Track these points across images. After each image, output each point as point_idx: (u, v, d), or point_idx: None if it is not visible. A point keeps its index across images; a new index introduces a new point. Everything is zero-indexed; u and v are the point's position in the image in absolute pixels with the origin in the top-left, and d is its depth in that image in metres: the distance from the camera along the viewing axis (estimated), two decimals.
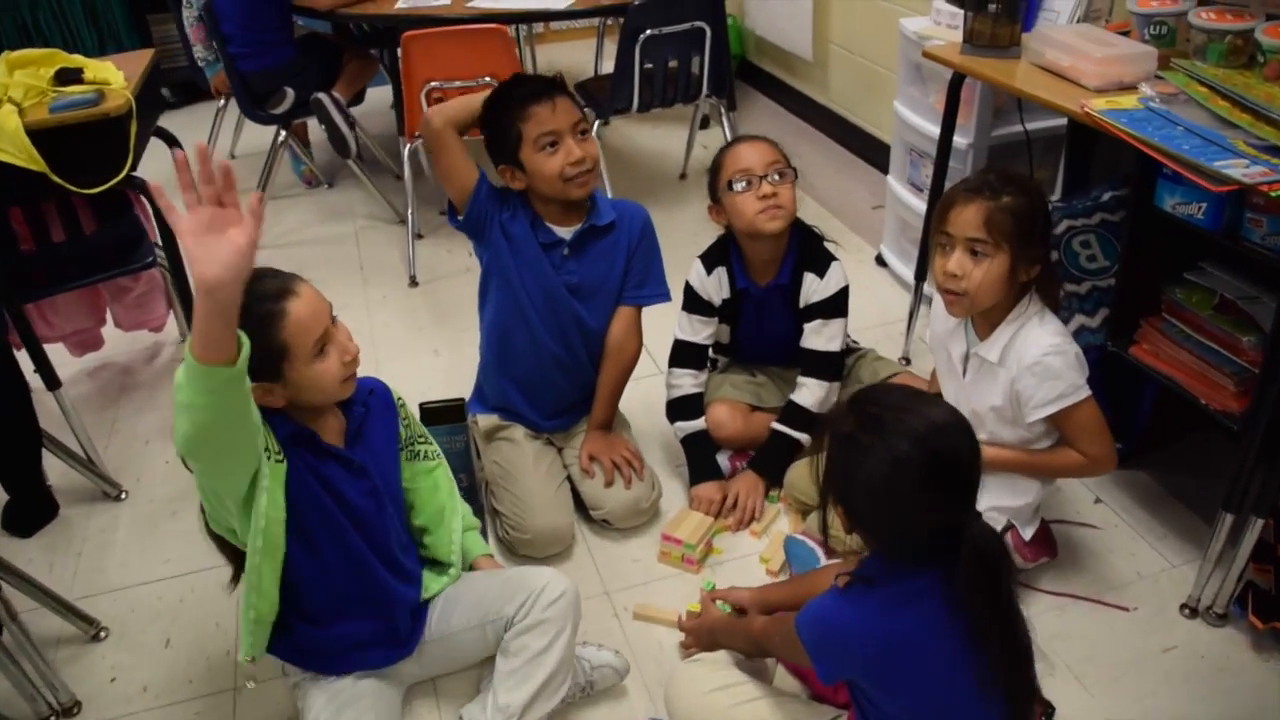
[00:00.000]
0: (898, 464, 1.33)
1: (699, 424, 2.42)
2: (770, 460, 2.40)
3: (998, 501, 2.04)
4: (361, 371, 1.78)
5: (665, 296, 2.36)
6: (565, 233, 2.25)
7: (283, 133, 3.83)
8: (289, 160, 4.38)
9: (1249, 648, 1.98)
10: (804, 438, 2.37)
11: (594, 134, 2.35)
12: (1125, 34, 2.31)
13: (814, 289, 2.34)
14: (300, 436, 1.69)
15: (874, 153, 4.14)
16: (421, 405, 2.27)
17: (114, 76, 2.47)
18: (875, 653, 1.42)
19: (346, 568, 1.76)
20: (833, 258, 2.36)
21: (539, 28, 6.05)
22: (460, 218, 2.22)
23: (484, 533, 2.33)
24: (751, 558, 2.27)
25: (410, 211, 3.65)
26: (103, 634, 2.18)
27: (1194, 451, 2.44)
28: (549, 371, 2.34)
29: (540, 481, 2.29)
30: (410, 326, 3.28)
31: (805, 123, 4.71)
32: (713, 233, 2.44)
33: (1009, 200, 1.86)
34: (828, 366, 2.36)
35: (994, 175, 1.92)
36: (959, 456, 1.35)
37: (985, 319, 1.98)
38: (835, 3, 4.23)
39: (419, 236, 3.79)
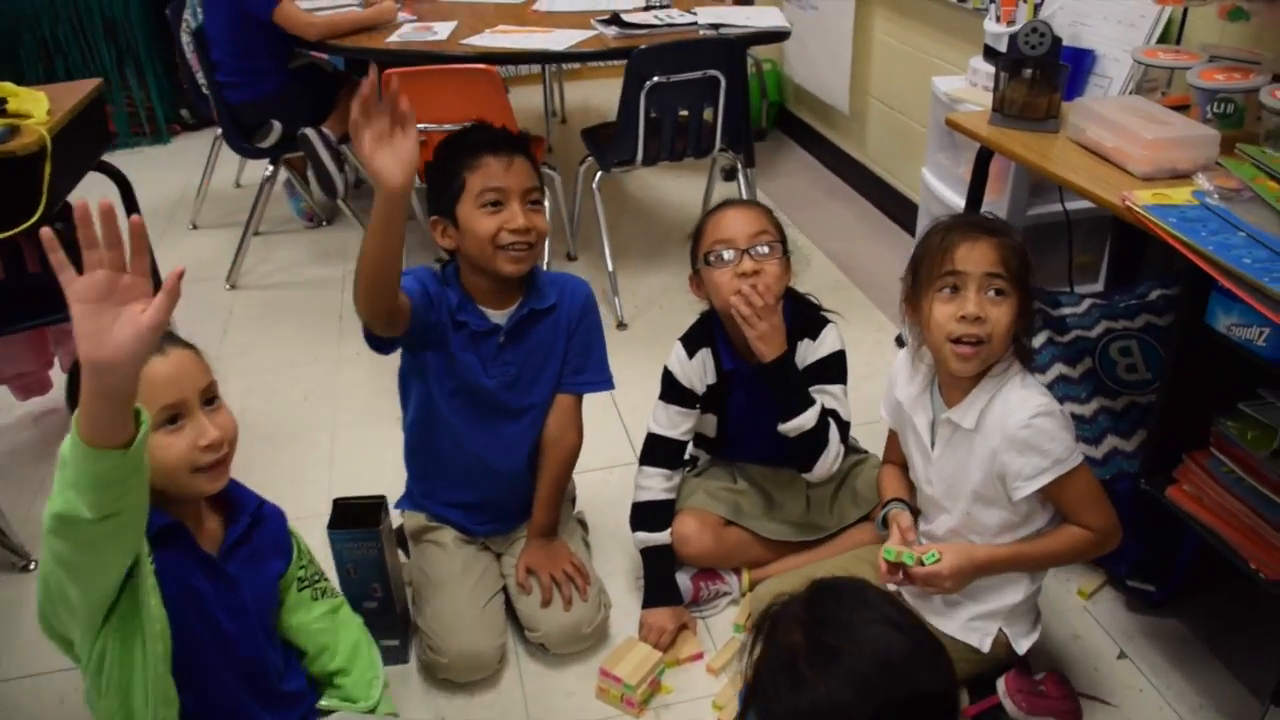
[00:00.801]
0: (837, 713, 1.02)
1: (663, 537, 2.09)
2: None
3: (981, 606, 1.75)
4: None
5: (607, 384, 2.10)
6: (499, 317, 1.95)
7: (270, 167, 3.58)
8: (285, 196, 4.14)
9: None
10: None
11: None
12: (1183, 110, 1.97)
13: (806, 352, 2.03)
14: (171, 531, 1.43)
15: (909, 217, 3.79)
16: (336, 502, 1.97)
17: (38, 109, 2.22)
18: None
19: (209, 695, 1.49)
20: (827, 321, 2.07)
21: (571, 64, 5.78)
22: (394, 337, 1.85)
23: (405, 648, 2.03)
24: (704, 701, 1.93)
25: None
26: None
27: (1244, 595, 2.05)
28: (480, 477, 2.05)
29: (466, 596, 1.98)
30: (378, 388, 2.98)
31: (839, 179, 4.38)
32: None
33: (1011, 241, 1.63)
34: (838, 426, 2.00)
35: (978, 217, 1.70)
36: (918, 702, 1.03)
37: (955, 381, 1.69)
38: (876, 54, 3.91)
39: None
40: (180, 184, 4.54)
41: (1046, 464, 1.61)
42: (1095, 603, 2.12)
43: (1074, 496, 1.65)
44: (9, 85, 2.31)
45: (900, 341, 3.08)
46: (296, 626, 1.69)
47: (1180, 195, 1.71)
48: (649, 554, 2.11)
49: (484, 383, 1.97)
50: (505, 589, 2.08)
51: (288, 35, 3.33)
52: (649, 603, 2.08)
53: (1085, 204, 2.49)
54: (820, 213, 4.03)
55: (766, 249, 1.93)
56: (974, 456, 1.67)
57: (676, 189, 4.36)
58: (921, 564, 1.68)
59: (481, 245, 1.85)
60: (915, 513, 1.85)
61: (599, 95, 5.62)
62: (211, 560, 1.50)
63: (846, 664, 1.03)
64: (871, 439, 2.22)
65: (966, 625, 1.75)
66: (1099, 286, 2.50)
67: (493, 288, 1.93)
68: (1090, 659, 1.99)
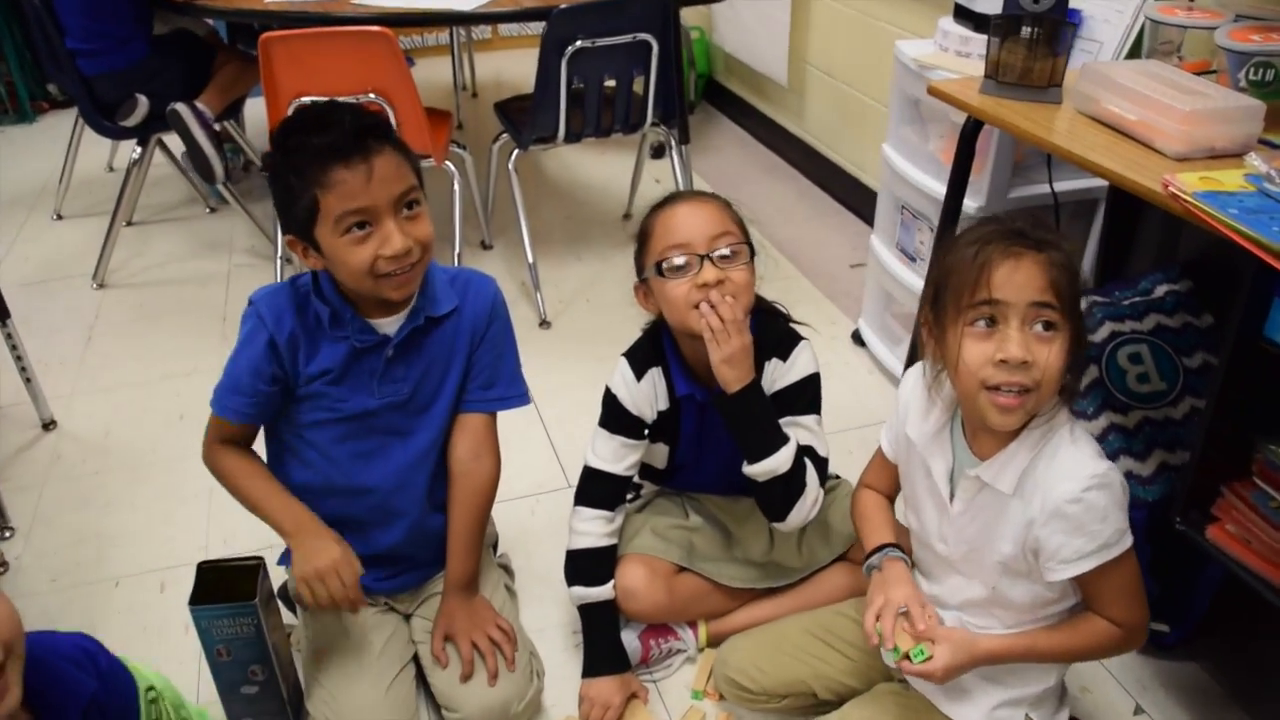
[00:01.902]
0: None
1: (604, 591, 1.75)
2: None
3: (1008, 692, 1.44)
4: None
5: (522, 398, 1.76)
6: (388, 326, 1.61)
7: (138, 149, 3.14)
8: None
9: None
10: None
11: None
12: (1207, 76, 1.67)
13: (776, 376, 1.69)
14: None
15: (856, 198, 3.49)
16: (200, 566, 1.59)
17: None
18: None
19: None
20: (800, 338, 1.72)
21: (483, 32, 5.36)
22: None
23: None
24: None
25: (280, 253, 2.97)
26: None
27: (1268, 632, 1.80)
28: (373, 522, 1.69)
29: (367, 674, 1.62)
30: None
31: (777, 156, 4.05)
32: None
33: (1062, 256, 1.26)
34: (815, 466, 1.67)
35: (1022, 221, 1.28)
36: None
37: (986, 429, 1.34)
38: (818, 18, 3.58)
39: None
40: (46, 169, 4.04)
41: (1092, 548, 1.28)
42: None
43: (1112, 587, 1.33)
44: None
45: (858, 338, 2.77)
46: None
47: (1231, 180, 1.40)
48: (588, 611, 1.76)
49: (368, 404, 1.62)
50: (416, 658, 1.73)
51: None
52: (590, 671, 1.74)
53: (1070, 183, 2.23)
54: (757, 191, 3.69)
55: (730, 252, 1.58)
56: (1006, 524, 1.34)
57: (600, 168, 3.99)
58: (908, 658, 1.37)
59: (356, 277, 1.50)
60: (909, 564, 1.53)
61: (513, 67, 5.23)
62: None
63: None
64: (835, 447, 1.82)
65: (990, 715, 1.44)
66: (1087, 277, 2.21)
67: (377, 299, 1.58)
68: (1103, 715, 1.72)
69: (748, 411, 1.61)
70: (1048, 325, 1.24)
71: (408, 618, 1.77)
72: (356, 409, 1.62)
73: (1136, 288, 1.93)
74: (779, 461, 1.59)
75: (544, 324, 2.84)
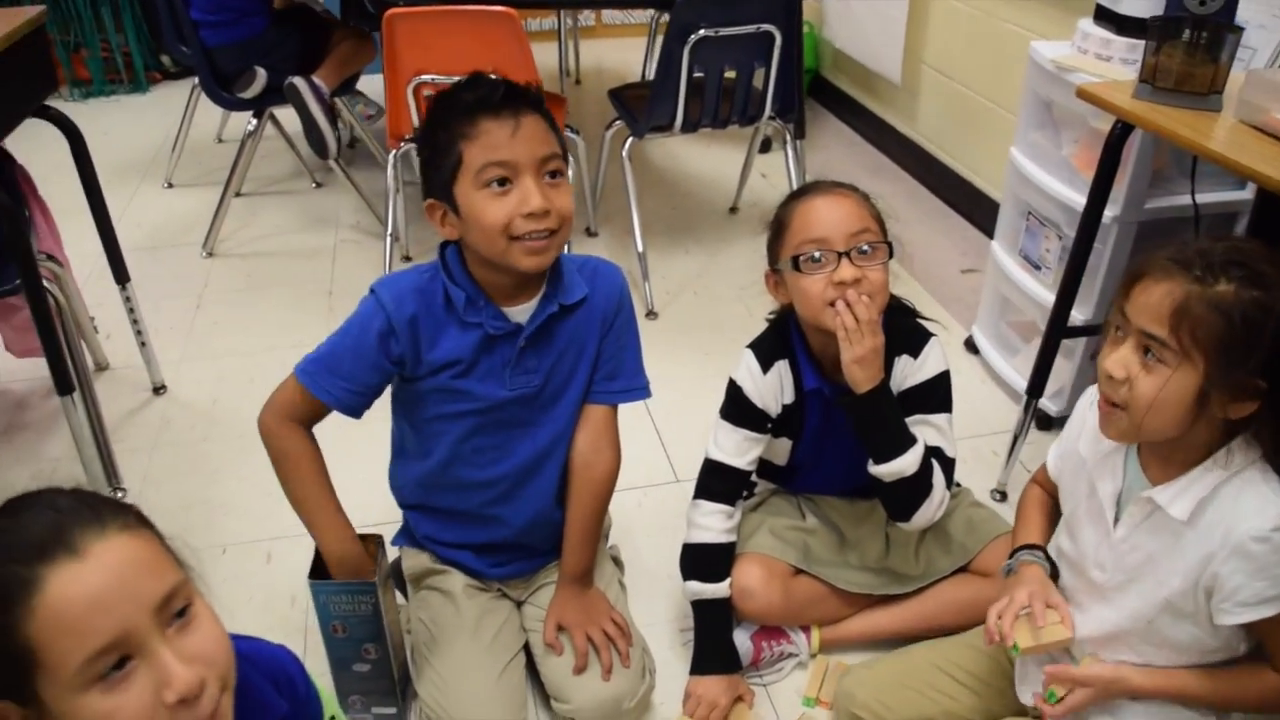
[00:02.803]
0: None
1: (721, 589, 1.71)
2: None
3: None
4: None
5: (644, 391, 1.71)
6: (520, 314, 1.57)
7: (254, 121, 3.17)
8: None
9: None
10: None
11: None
12: None
13: (906, 373, 1.66)
14: None
15: (969, 204, 3.41)
16: (313, 574, 1.58)
17: None
18: None
19: None
20: (930, 334, 1.69)
21: (587, 19, 5.35)
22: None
23: (403, 717, 1.66)
24: None
25: (391, 229, 2.98)
26: None
27: None
28: (495, 512, 1.67)
29: (478, 661, 1.60)
30: None
31: (886, 157, 3.98)
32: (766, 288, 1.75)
33: (1227, 290, 1.15)
34: (942, 467, 1.64)
35: (1223, 246, 1.19)
36: None
37: (1162, 455, 1.28)
38: (936, 15, 3.50)
39: (406, 259, 3.14)
40: (157, 137, 4.12)
41: (1274, 593, 1.20)
42: None
43: None
44: None
45: (971, 345, 2.71)
46: None
47: None
48: (701, 608, 1.73)
49: (500, 396, 1.59)
50: (527, 646, 1.71)
51: None
52: (699, 669, 1.71)
53: (1210, 195, 2.15)
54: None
55: (869, 249, 1.55)
56: (1178, 557, 1.26)
57: (707, 160, 3.95)
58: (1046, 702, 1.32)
59: (490, 237, 1.45)
60: (1054, 575, 1.47)
61: (614, 55, 5.21)
62: None
63: None
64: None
65: None
66: None
67: (509, 281, 1.55)
68: None
69: (876, 413, 1.57)
70: (1150, 353, 1.19)
71: (519, 604, 1.75)
72: (487, 402, 1.58)
73: None
74: (907, 463, 1.56)
75: (651, 314, 2.82)
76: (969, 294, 2.89)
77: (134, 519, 0.89)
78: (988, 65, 3.23)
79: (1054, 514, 1.54)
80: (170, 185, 3.76)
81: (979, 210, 3.28)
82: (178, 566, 0.89)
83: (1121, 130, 1.81)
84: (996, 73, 3.16)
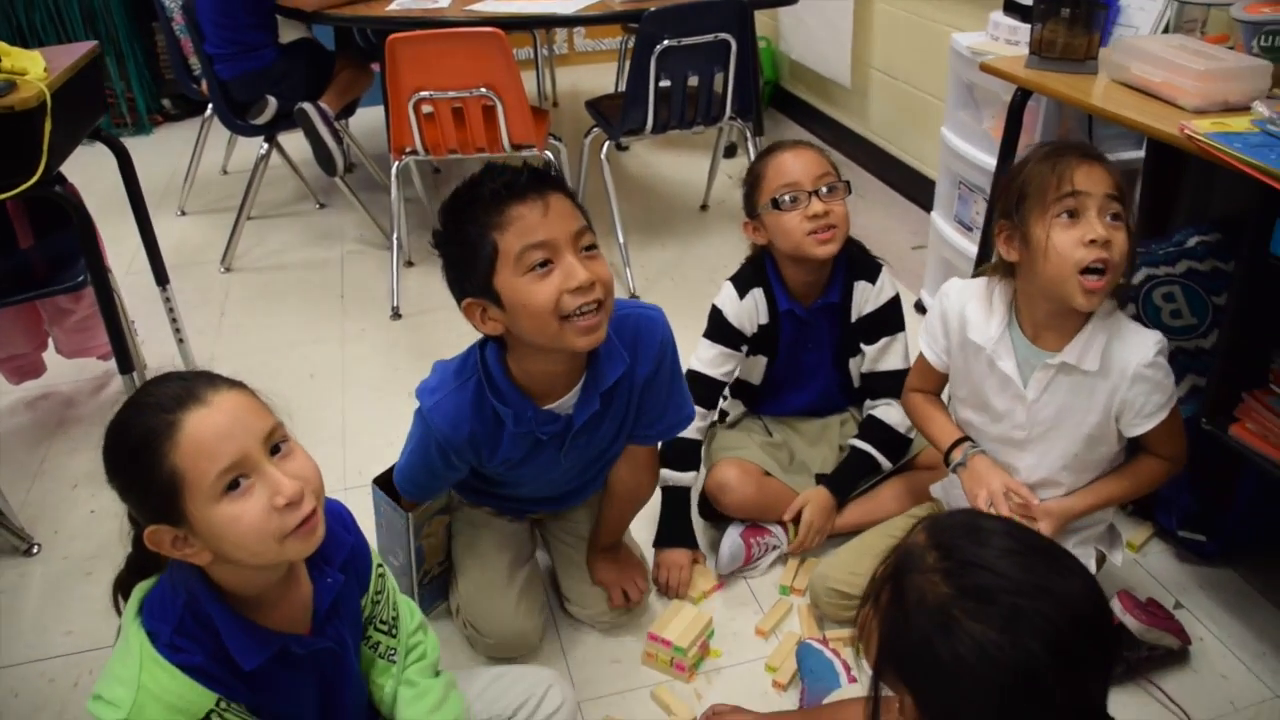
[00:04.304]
0: (1025, 670, 0.93)
1: (687, 478, 2.05)
2: (847, 479, 2.08)
3: (1079, 533, 1.76)
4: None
5: (689, 420, 1.80)
6: (567, 406, 1.63)
7: (265, 145, 3.49)
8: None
9: None
10: (886, 463, 2.08)
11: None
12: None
13: (866, 298, 2.04)
14: (262, 645, 1.20)
15: (916, 189, 3.75)
16: (376, 481, 1.88)
17: (34, 66, 2.11)
18: None
19: None
20: (880, 264, 2.09)
21: (560, 48, 5.71)
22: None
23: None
24: (756, 664, 1.86)
25: (396, 236, 3.28)
26: None
27: None
28: (530, 507, 1.97)
29: (503, 576, 1.87)
30: (386, 365, 2.90)
31: (842, 155, 4.31)
32: (736, 266, 2.11)
33: (1115, 165, 1.57)
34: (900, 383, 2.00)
35: (1081, 143, 1.65)
36: (1104, 642, 0.98)
37: (1054, 326, 1.62)
38: (878, 23, 3.86)
39: (408, 264, 3.45)
40: (165, 173, 4.43)
41: (1164, 400, 1.60)
42: (1144, 555, 2.07)
43: (1171, 429, 1.64)
44: (1, 43, 2.21)
45: (920, 307, 3.03)
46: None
47: (1239, 124, 1.66)
48: (670, 493, 2.07)
49: (556, 471, 1.77)
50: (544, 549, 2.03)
51: (274, 6, 3.25)
52: (665, 542, 2.05)
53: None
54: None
55: (829, 189, 1.93)
56: (1094, 399, 1.62)
57: (677, 167, 4.30)
58: None
59: (542, 320, 1.45)
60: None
61: (588, 79, 5.55)
62: (310, 647, 1.27)
63: (1004, 601, 0.95)
64: None
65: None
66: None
67: (555, 371, 1.60)
68: None
69: (854, 487, 2.09)
70: (1115, 216, 1.52)
71: (539, 522, 2.03)
72: (545, 474, 1.78)
73: (1171, 240, 2.17)
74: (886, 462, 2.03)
75: (632, 298, 3.15)
76: (919, 266, 3.22)
77: (238, 383, 1.19)
78: (922, 62, 3.58)
79: (946, 407, 1.88)
80: (183, 213, 4.06)
81: (924, 193, 3.60)
82: (275, 414, 1.20)
83: (1020, 96, 2.14)
84: (930, 67, 3.51)
